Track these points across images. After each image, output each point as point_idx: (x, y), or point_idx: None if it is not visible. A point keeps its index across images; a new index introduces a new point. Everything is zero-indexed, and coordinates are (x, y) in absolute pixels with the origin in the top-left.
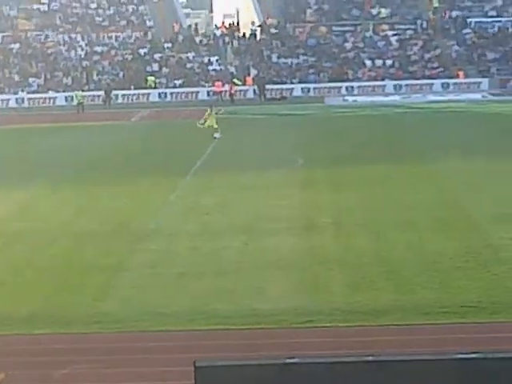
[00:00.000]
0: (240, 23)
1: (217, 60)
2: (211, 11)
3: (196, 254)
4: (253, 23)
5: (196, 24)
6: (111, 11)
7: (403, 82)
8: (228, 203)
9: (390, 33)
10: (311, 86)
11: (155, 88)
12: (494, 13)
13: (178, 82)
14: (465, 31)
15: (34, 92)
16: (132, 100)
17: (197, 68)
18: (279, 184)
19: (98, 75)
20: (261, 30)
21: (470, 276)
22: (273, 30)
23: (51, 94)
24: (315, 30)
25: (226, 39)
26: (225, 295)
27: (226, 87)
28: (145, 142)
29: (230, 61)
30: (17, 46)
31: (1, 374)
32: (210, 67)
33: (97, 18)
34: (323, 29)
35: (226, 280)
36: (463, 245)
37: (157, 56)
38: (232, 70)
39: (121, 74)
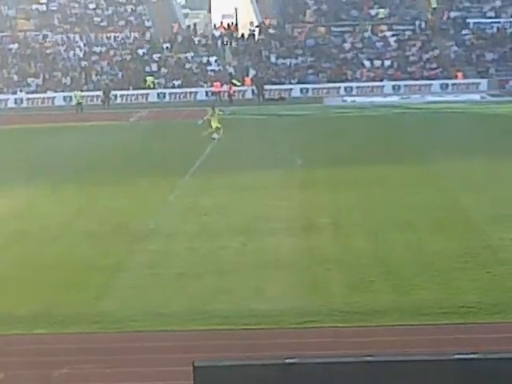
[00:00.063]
0: (238, 24)
1: (215, 60)
2: (210, 11)
3: (195, 255)
4: (251, 23)
5: (195, 24)
6: (110, 11)
7: (402, 83)
8: (227, 204)
9: (388, 33)
10: (310, 86)
11: (154, 88)
12: (492, 14)
13: (176, 83)
14: (463, 32)
15: (32, 92)
16: (131, 100)
17: (195, 68)
18: (278, 184)
19: (96, 75)
20: (259, 30)
21: (469, 277)
22: (271, 31)
23: (50, 94)
24: (314, 31)
25: (225, 39)
26: (223, 295)
27: (225, 87)
28: (143, 143)
29: (229, 61)
30: (15, 46)
31: (0, 373)
32: (209, 67)
33: (95, 19)
34: (322, 29)
35: (224, 280)
36: (462, 245)
37: (155, 56)
38: (231, 70)
39: (119, 75)
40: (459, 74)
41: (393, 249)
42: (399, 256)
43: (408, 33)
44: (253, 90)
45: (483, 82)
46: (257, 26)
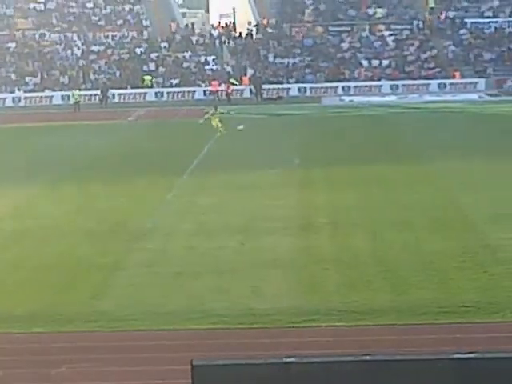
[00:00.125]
0: (236, 23)
1: (213, 59)
2: (207, 11)
3: (192, 254)
4: (249, 23)
5: (192, 23)
6: (107, 10)
7: (400, 83)
8: (224, 203)
9: (386, 33)
10: (308, 85)
11: (152, 87)
12: (490, 13)
13: (174, 82)
14: (461, 32)
15: (30, 91)
16: (128, 99)
17: (193, 67)
18: (275, 184)
19: (94, 74)
20: (257, 29)
21: (468, 276)
22: (269, 30)
23: (48, 92)
24: (312, 30)
25: (223, 39)
26: (221, 294)
27: (223, 87)
28: (141, 142)
29: (227, 60)
30: (13, 44)
31: None
32: (207, 67)
33: (93, 18)
34: (320, 29)
35: (222, 279)
36: (460, 245)
37: (153, 55)
38: (228, 69)
39: (117, 74)
40: (457, 74)
41: (391, 248)
42: (397, 255)
43: (406, 32)
44: (251, 90)
45: (481, 82)
46: (255, 26)
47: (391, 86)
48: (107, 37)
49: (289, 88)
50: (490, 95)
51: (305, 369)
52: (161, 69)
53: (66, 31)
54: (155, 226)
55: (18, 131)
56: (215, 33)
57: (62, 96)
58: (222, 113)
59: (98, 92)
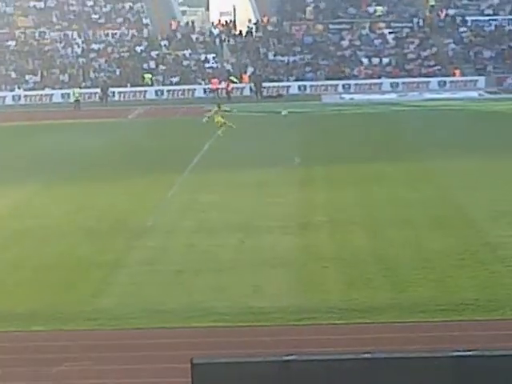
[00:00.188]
0: (236, 21)
1: (213, 57)
2: (208, 9)
3: (193, 252)
4: (249, 21)
5: (192, 21)
6: (108, 8)
7: (400, 80)
8: (225, 201)
9: (386, 31)
10: (308, 83)
11: (152, 85)
12: (490, 11)
13: (174, 80)
14: (461, 29)
15: (30, 89)
16: (129, 97)
17: (193, 65)
18: (275, 182)
19: (94, 72)
20: (257, 27)
21: (468, 274)
22: (269, 28)
23: (48, 91)
24: (312, 28)
25: (223, 37)
26: (221, 292)
27: (223, 85)
28: (142, 140)
29: (227, 58)
30: (13, 43)
31: None
32: (207, 65)
33: (93, 16)
34: (320, 27)
35: (222, 277)
36: (460, 243)
37: (153, 53)
38: (228, 67)
39: (117, 72)
40: (457, 72)
41: (391, 246)
42: (397, 253)
43: (406, 30)
44: (251, 88)
45: (481, 80)
46: (255, 24)
47: (391, 84)
48: (107, 35)
49: (289, 86)
50: (490, 93)
51: (305, 367)
52: (161, 67)
53: (66, 29)
54: (156, 224)
55: (18, 129)
56: (215, 31)
57: (62, 94)
58: (226, 110)
59: (98, 90)
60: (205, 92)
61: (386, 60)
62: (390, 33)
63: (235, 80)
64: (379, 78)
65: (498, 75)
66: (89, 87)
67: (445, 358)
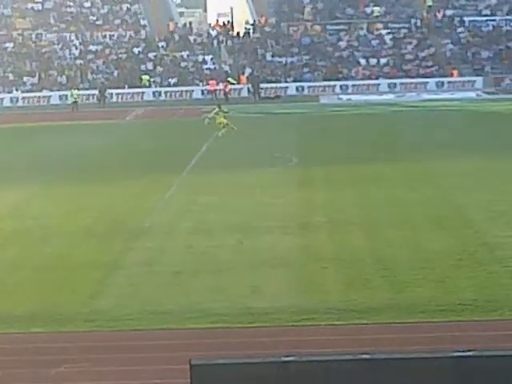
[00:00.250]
0: (234, 22)
1: (211, 59)
2: (205, 10)
3: (191, 253)
4: (247, 22)
5: (190, 23)
6: (105, 10)
7: (397, 81)
8: (223, 201)
9: (384, 31)
10: (305, 84)
11: (150, 87)
12: (488, 11)
13: (172, 81)
14: (459, 30)
15: (28, 91)
16: (126, 99)
17: (191, 67)
18: (274, 182)
19: (92, 74)
20: (255, 28)
21: (466, 274)
22: (267, 29)
23: (45, 92)
24: (309, 29)
25: (221, 38)
26: (220, 293)
27: (221, 86)
28: (140, 141)
29: (225, 59)
30: (11, 45)
31: None
32: (205, 66)
33: (91, 17)
34: (317, 28)
35: (221, 278)
36: (459, 243)
37: (151, 55)
38: (226, 68)
39: (115, 73)
40: (455, 72)
41: (389, 247)
42: (395, 254)
43: (403, 31)
44: (248, 89)
45: (479, 80)
46: (252, 25)
47: (389, 85)
48: (105, 36)
49: (286, 87)
50: (488, 93)
51: (304, 367)
52: (159, 68)
53: (63, 31)
54: (154, 225)
55: (16, 131)
56: (213, 32)
57: (60, 96)
58: (227, 112)
59: (96, 92)
60: (203, 93)
61: (383, 61)
62: (387, 33)
63: (233, 81)
64: (377, 78)
65: (495, 76)
66: (87, 89)
67: (444, 358)
